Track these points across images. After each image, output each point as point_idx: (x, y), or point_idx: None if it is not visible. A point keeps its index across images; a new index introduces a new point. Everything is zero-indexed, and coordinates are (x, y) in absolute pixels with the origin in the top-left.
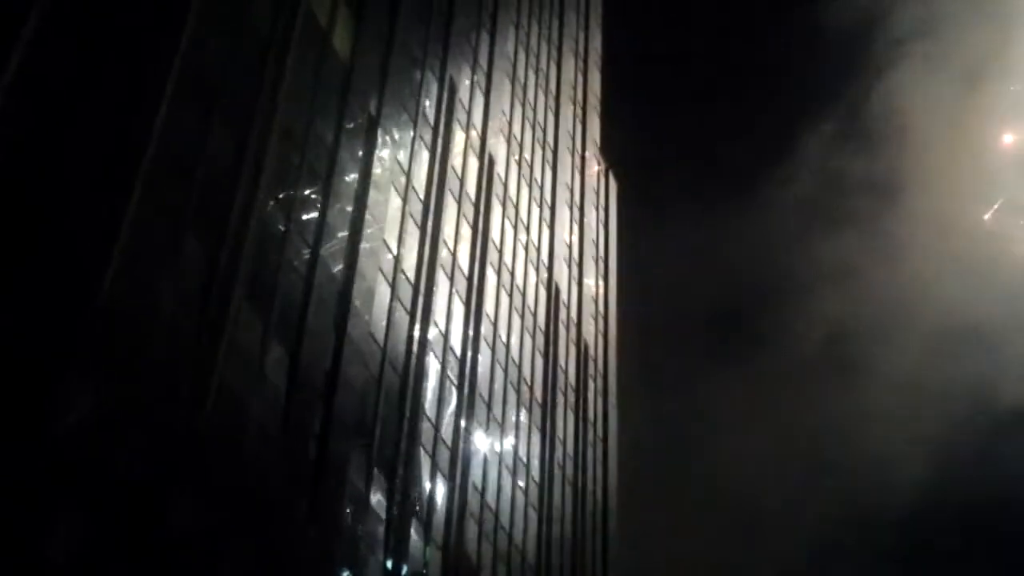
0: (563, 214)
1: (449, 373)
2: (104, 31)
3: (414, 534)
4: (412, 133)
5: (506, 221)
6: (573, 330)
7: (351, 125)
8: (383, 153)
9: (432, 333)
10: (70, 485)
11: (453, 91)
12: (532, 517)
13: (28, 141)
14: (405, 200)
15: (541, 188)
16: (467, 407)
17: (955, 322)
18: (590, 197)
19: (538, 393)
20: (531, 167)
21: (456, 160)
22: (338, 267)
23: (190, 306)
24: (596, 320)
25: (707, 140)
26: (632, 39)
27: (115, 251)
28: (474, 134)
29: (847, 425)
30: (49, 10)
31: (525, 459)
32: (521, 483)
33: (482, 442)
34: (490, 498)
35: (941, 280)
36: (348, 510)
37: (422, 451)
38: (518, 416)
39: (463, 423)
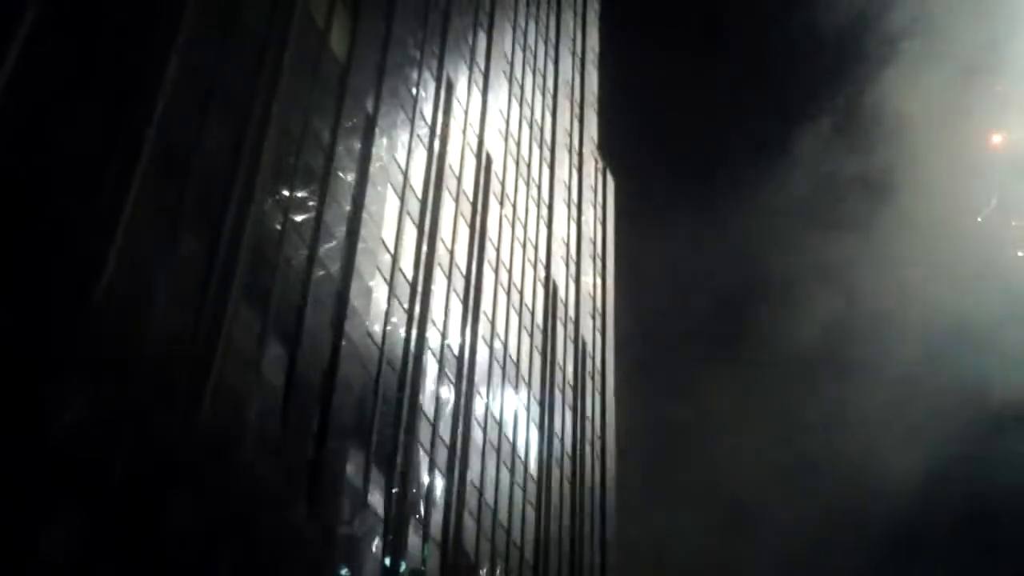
0: (561, 212)
1: (447, 371)
2: (101, 29)
3: (412, 532)
4: (409, 132)
5: (504, 220)
6: (571, 328)
7: (348, 124)
8: (380, 152)
9: (430, 332)
10: (67, 484)
11: (450, 90)
12: (530, 514)
13: (24, 138)
14: (402, 199)
15: (539, 187)
16: (465, 404)
17: (949, 321)
18: (588, 195)
19: (536, 390)
20: (529, 166)
21: (453, 159)
22: (335, 266)
23: (187, 305)
24: (594, 318)
25: (703, 139)
26: (629, 38)
27: (112, 250)
28: (471, 133)
29: (842, 423)
30: (45, 7)
31: (523, 456)
32: (519, 480)
33: (480, 439)
34: (488, 495)
35: (935, 279)
36: (346, 509)
37: (420, 449)
38: (516, 413)
39: (461, 420)
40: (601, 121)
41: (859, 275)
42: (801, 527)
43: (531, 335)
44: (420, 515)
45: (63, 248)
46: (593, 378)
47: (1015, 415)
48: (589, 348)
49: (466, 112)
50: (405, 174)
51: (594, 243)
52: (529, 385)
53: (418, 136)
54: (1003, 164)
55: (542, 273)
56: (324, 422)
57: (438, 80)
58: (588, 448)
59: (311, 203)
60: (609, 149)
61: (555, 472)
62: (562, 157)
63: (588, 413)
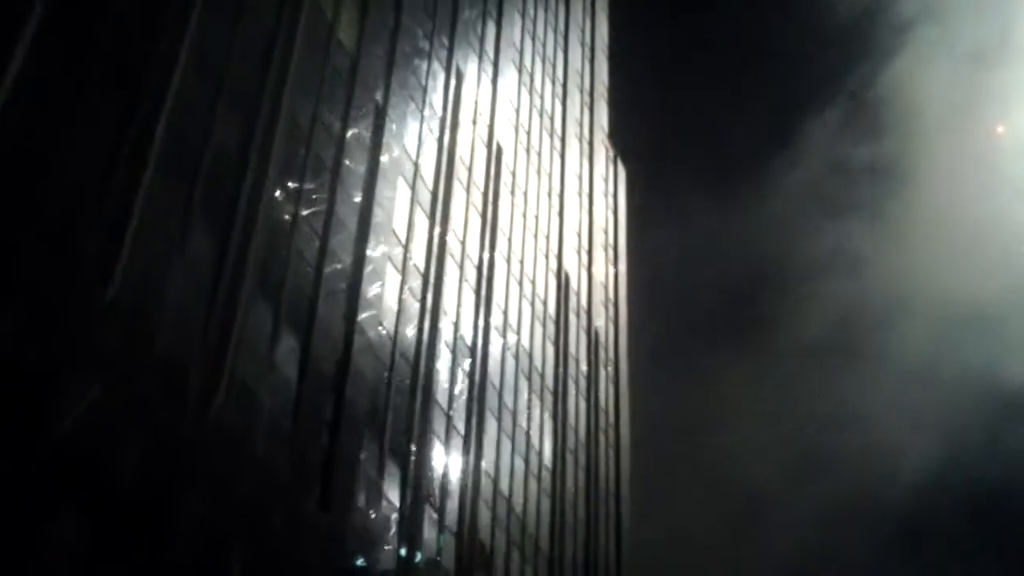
0: (572, 202)
1: (460, 362)
2: (110, 25)
3: (427, 522)
4: (419, 122)
5: (515, 210)
6: (583, 317)
7: (358, 115)
8: (391, 143)
9: (443, 323)
10: (80, 478)
11: (460, 81)
12: (545, 503)
13: (36, 133)
14: (413, 189)
15: (550, 176)
16: (478, 395)
17: (961, 308)
18: (599, 185)
19: (549, 381)
20: (539, 156)
21: (464, 149)
22: (347, 258)
23: (199, 299)
24: (606, 307)
25: (714, 127)
26: (638, 26)
27: (123, 245)
28: (482, 123)
29: (854, 411)
30: (53, 4)
31: (537, 446)
32: (534, 470)
33: (494, 430)
34: (503, 485)
35: (947, 267)
36: (361, 499)
37: (434, 439)
38: (529, 404)
39: (475, 411)
40: (612, 110)
41: (870, 262)
42: (813, 513)
43: (544, 325)
44: (435, 505)
45: (75, 244)
46: (606, 368)
47: None
48: (602, 338)
49: (476, 102)
50: (416, 165)
51: (606, 232)
52: (542, 375)
53: (428, 127)
54: (1013, 152)
55: (554, 263)
56: (337, 414)
57: (447, 70)
58: (602, 438)
59: (322, 195)
60: (620, 138)
61: (569, 462)
62: (573, 146)
63: (601, 403)
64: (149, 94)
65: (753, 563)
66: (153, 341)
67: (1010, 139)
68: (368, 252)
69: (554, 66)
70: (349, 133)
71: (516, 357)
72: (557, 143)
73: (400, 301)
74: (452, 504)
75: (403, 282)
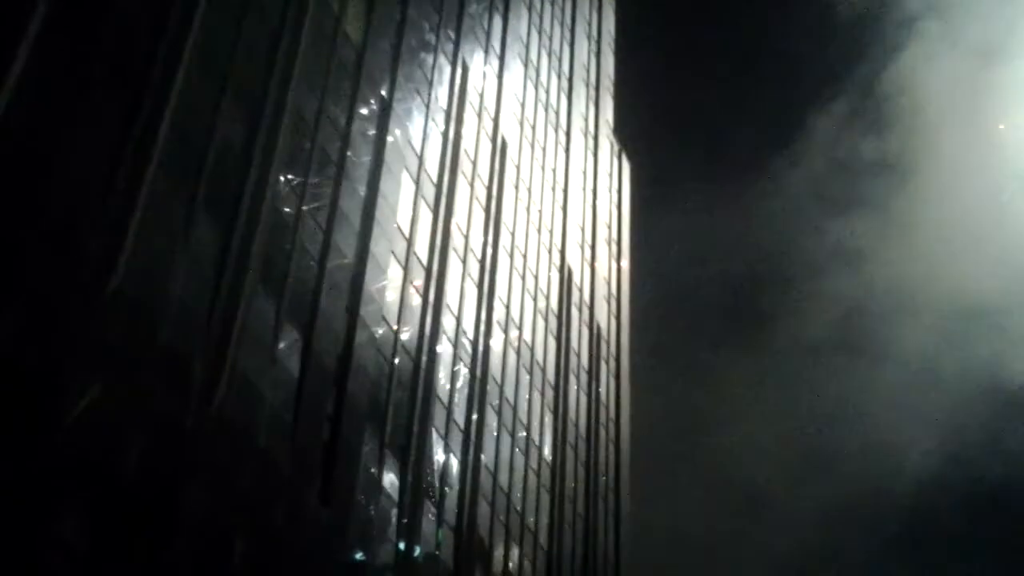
0: (576, 197)
1: (462, 356)
2: (115, 17)
3: (427, 516)
4: (424, 117)
5: (519, 204)
6: (586, 312)
7: (363, 109)
8: (395, 136)
9: (445, 317)
10: (83, 472)
11: (466, 74)
12: (545, 498)
13: (39, 130)
14: (418, 183)
15: (554, 171)
16: (480, 389)
17: (966, 303)
18: (603, 179)
19: (550, 375)
20: (544, 150)
21: (469, 143)
22: (351, 251)
23: (203, 292)
24: (609, 302)
25: (719, 121)
26: (645, 20)
27: (127, 238)
28: (487, 117)
29: (857, 405)
30: (57, 1)
31: (538, 441)
32: (534, 464)
33: (495, 424)
34: (503, 480)
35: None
36: (361, 493)
37: (435, 433)
38: (530, 398)
39: (476, 405)
40: (617, 104)
41: (875, 257)
42: (813, 511)
43: (546, 320)
44: (435, 499)
45: (79, 240)
46: (608, 363)
47: None
48: (604, 333)
49: (481, 96)
50: (420, 159)
51: (609, 227)
52: (544, 370)
53: (433, 120)
54: (1018, 148)
55: (557, 258)
56: (339, 407)
57: (453, 64)
58: (602, 433)
59: (326, 189)
60: (625, 132)
61: (569, 456)
62: (577, 141)
63: (603, 398)
64: (153, 89)
65: (753, 560)
66: (156, 335)
67: (1014, 135)
68: (371, 246)
69: (560, 60)
70: (354, 127)
71: (518, 351)
72: (562, 137)
73: (403, 295)
74: (452, 498)
75: (406, 276)
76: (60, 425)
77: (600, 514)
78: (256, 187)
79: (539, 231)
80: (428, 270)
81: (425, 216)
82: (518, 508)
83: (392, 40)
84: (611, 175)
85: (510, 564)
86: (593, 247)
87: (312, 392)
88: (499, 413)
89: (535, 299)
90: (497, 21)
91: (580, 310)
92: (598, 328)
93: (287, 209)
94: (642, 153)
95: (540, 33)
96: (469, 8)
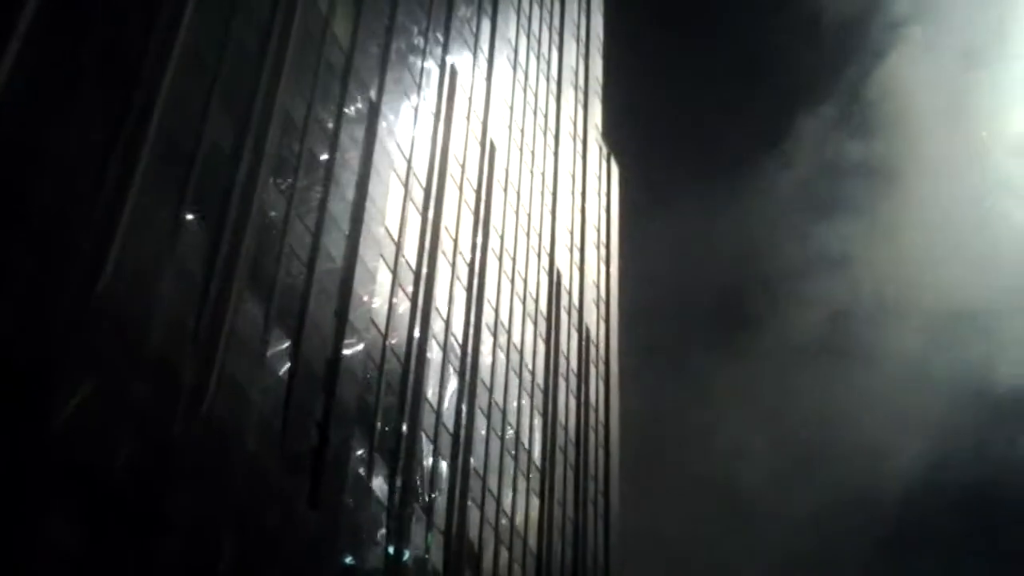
0: (565, 200)
1: (451, 359)
2: (102, 17)
3: (416, 520)
4: (413, 119)
5: (507, 207)
6: (575, 315)
7: (352, 111)
8: (384, 139)
9: (434, 319)
10: (70, 477)
11: (454, 77)
12: (534, 502)
13: (27, 129)
14: (406, 186)
15: (543, 174)
16: (468, 393)
17: (953, 306)
18: (591, 183)
19: (540, 379)
20: (532, 153)
21: (457, 146)
22: (339, 254)
23: (191, 295)
24: (598, 305)
25: (707, 125)
26: (633, 23)
27: (115, 241)
28: (475, 120)
29: (845, 409)
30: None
31: (527, 444)
32: (523, 468)
33: (483, 428)
34: (492, 483)
35: (939, 264)
36: (350, 497)
37: (424, 437)
38: (519, 402)
39: (464, 409)
40: (605, 108)
41: (863, 260)
42: (803, 511)
43: (535, 323)
44: (424, 503)
45: (66, 241)
46: (596, 366)
47: (1019, 400)
48: (593, 336)
49: (470, 99)
50: (409, 162)
51: (598, 230)
52: (533, 373)
53: (422, 123)
54: (1005, 151)
55: (546, 261)
56: (328, 411)
57: (442, 67)
58: (591, 436)
59: (315, 191)
60: (613, 136)
61: (558, 460)
62: (566, 144)
63: (591, 401)
64: (142, 89)
65: (742, 564)
66: (144, 338)
67: (1002, 139)
68: (360, 250)
69: (548, 63)
70: (342, 129)
71: (507, 355)
72: (550, 141)
73: (391, 299)
74: (441, 502)
75: (395, 280)
76: (48, 428)
77: (589, 517)
78: (244, 189)
79: (528, 234)
80: (417, 274)
81: (414, 219)
82: (507, 512)
83: (380, 43)
84: (600, 178)
85: (499, 568)
86: (582, 250)
87: (301, 396)
88: (488, 417)
89: (524, 302)
90: (485, 24)
91: (569, 313)
92: (587, 331)
93: (275, 212)
94: (630, 156)
95: (528, 36)
96: (457, 11)
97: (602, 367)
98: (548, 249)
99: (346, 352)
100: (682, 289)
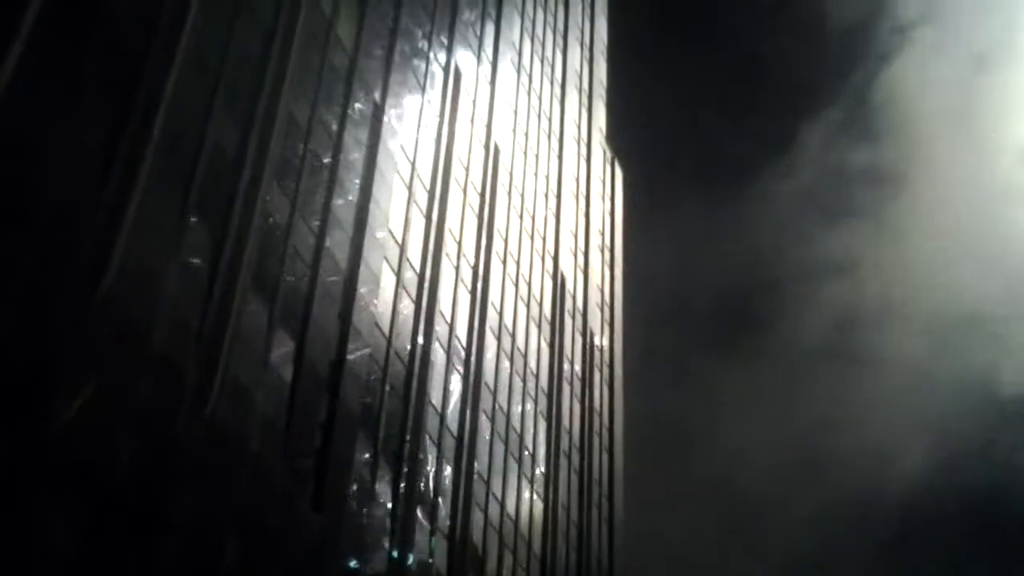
0: (569, 204)
1: (455, 363)
2: (106, 20)
3: (420, 523)
4: (417, 122)
5: (512, 211)
6: (579, 320)
7: (356, 114)
8: (388, 142)
9: (438, 323)
10: (73, 478)
11: (458, 80)
12: (538, 506)
13: (30, 130)
14: (410, 189)
15: (547, 178)
16: (472, 396)
17: (959, 310)
18: (596, 187)
19: (544, 382)
20: (537, 156)
21: (461, 149)
22: (343, 257)
23: (194, 297)
24: (602, 310)
25: (712, 129)
26: (638, 27)
27: (118, 243)
28: (479, 123)
29: (850, 412)
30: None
31: (531, 448)
32: (527, 472)
33: (488, 431)
34: (496, 487)
35: (945, 268)
36: (354, 500)
37: (428, 440)
38: (524, 405)
39: (468, 412)
40: (609, 112)
41: (868, 265)
42: (807, 515)
43: (539, 327)
44: (428, 507)
45: (71, 239)
46: (601, 370)
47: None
48: (597, 340)
49: (474, 102)
50: (413, 164)
51: (602, 234)
52: (537, 377)
53: (426, 126)
54: (1012, 155)
55: (550, 265)
56: (332, 414)
57: (446, 70)
58: (596, 440)
59: (318, 193)
60: (618, 140)
61: (563, 464)
62: (570, 148)
63: (596, 405)
64: (145, 92)
65: (746, 567)
66: (147, 339)
67: (1009, 143)
68: (364, 252)
69: (553, 67)
70: (346, 132)
71: (511, 358)
72: (555, 144)
73: (395, 301)
74: (445, 506)
75: (399, 282)
76: (50, 428)
77: (593, 521)
78: (248, 191)
79: (532, 238)
80: (420, 276)
81: (418, 222)
82: (511, 515)
83: (384, 45)
84: (604, 182)
85: (503, 571)
86: (586, 254)
87: (305, 398)
88: (492, 420)
89: (528, 306)
90: (490, 27)
91: (573, 317)
92: (591, 335)
93: (279, 214)
94: (635, 160)
95: (533, 39)
96: (462, 14)
97: (606, 371)
98: (552, 253)
99: (350, 355)
100: (687, 293)
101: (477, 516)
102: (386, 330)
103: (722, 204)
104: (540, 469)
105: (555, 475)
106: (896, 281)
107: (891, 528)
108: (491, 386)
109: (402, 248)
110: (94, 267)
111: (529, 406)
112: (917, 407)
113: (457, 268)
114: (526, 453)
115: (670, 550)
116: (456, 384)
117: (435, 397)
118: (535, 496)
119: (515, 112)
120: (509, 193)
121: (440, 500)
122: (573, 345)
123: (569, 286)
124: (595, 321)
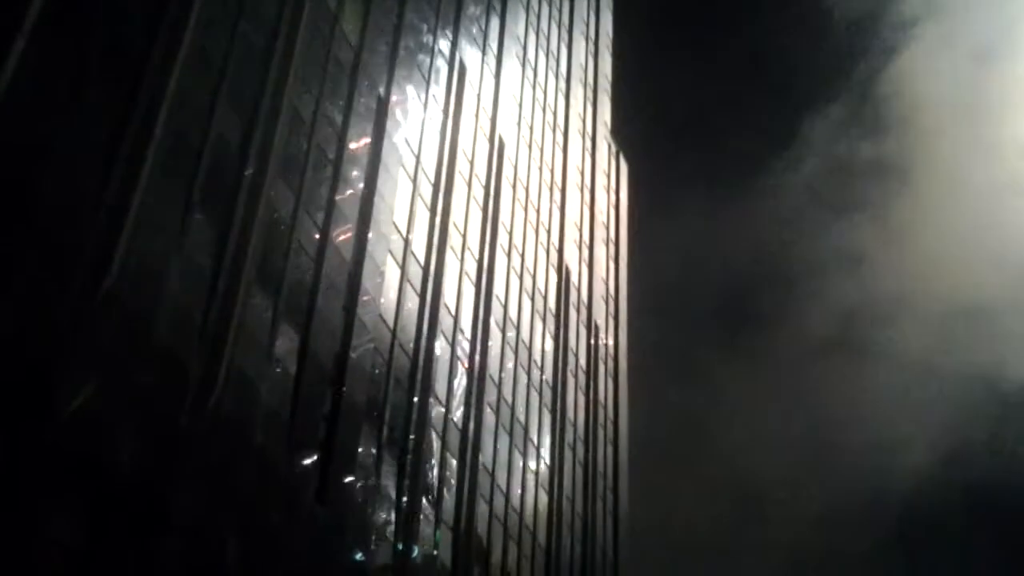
0: (574, 197)
1: (459, 355)
2: (108, 13)
3: (425, 516)
4: (422, 116)
5: (516, 204)
6: (584, 312)
7: (360, 108)
8: (392, 136)
9: (442, 316)
10: (76, 471)
11: (463, 73)
12: (543, 498)
13: (34, 126)
14: (415, 183)
15: (552, 171)
16: (477, 389)
17: (965, 304)
18: (601, 180)
19: (549, 375)
20: (541, 150)
21: (466, 143)
22: (348, 250)
23: (199, 291)
24: (607, 302)
25: (717, 122)
26: (642, 21)
27: (123, 237)
28: (484, 116)
29: (855, 405)
30: None
31: (536, 440)
32: (532, 464)
33: (492, 424)
34: (500, 479)
35: (950, 262)
36: (359, 493)
37: (432, 433)
38: (528, 398)
39: (473, 405)
40: (614, 105)
41: (873, 259)
42: (813, 510)
43: (544, 319)
44: (432, 499)
45: (74, 236)
46: (606, 363)
47: None
48: (602, 333)
49: (479, 96)
50: (417, 158)
51: (607, 227)
52: (541, 369)
53: (431, 120)
54: (1016, 150)
55: (555, 257)
56: (336, 407)
57: (451, 64)
58: (601, 432)
59: (323, 187)
60: (622, 133)
61: (568, 457)
62: (575, 141)
63: (601, 398)
64: (149, 87)
65: (751, 560)
66: (151, 334)
67: (1013, 136)
68: (369, 245)
69: (557, 60)
70: (351, 126)
71: (515, 351)
72: (559, 137)
73: (400, 294)
74: (450, 498)
75: (403, 275)
76: (54, 423)
77: (598, 514)
78: (252, 186)
79: (537, 231)
80: (425, 269)
81: (422, 215)
82: (516, 508)
83: (389, 40)
84: (609, 175)
85: (508, 564)
86: (591, 247)
87: (309, 391)
88: (497, 413)
89: (533, 299)
90: (494, 21)
91: (578, 310)
92: (596, 328)
93: (284, 208)
94: (640, 154)
95: (538, 33)
96: (466, 8)
97: (611, 364)
98: (557, 246)
99: (354, 348)
100: (691, 286)
101: (482, 508)
102: (391, 323)
103: (727, 198)
104: (545, 462)
105: (560, 468)
106: (901, 275)
107: (897, 520)
108: (496, 379)
109: (407, 241)
110: (97, 264)
111: (534, 399)
112: (922, 400)
113: (462, 261)
114: (531, 446)
115: (675, 541)
116: (461, 377)
117: (440, 390)
118: (540, 488)
119: (520, 106)
120: (514, 187)
121: (445, 492)
122: (578, 338)
123: (574, 279)
124: (600, 314)
